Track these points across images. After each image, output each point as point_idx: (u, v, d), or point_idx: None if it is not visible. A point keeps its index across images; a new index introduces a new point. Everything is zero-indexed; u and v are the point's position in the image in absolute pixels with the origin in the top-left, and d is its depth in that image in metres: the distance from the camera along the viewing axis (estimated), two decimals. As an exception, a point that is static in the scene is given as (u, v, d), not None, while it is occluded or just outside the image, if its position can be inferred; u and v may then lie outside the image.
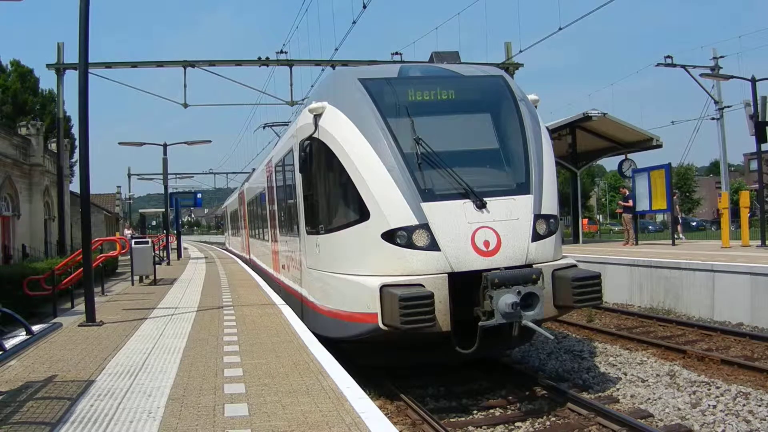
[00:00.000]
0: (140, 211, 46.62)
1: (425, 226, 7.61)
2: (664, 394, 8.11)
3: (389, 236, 7.65)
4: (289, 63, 25.10)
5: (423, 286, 7.23)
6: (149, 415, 4.85)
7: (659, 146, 23.13)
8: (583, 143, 24.88)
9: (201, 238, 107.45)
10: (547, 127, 9.30)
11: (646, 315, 13.69)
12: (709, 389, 8.18)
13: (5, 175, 26.23)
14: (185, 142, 29.82)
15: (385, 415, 4.95)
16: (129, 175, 57.07)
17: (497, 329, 7.38)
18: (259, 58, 24.83)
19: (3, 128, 28.39)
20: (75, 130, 33.10)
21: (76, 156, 26.52)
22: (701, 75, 26.79)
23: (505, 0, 32.66)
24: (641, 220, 37.36)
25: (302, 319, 9.46)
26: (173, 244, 31.53)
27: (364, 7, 17.61)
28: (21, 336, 5.80)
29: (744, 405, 7.49)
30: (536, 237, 7.95)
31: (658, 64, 28.28)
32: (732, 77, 22.96)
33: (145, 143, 28.79)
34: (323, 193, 8.94)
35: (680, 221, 26.67)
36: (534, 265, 7.71)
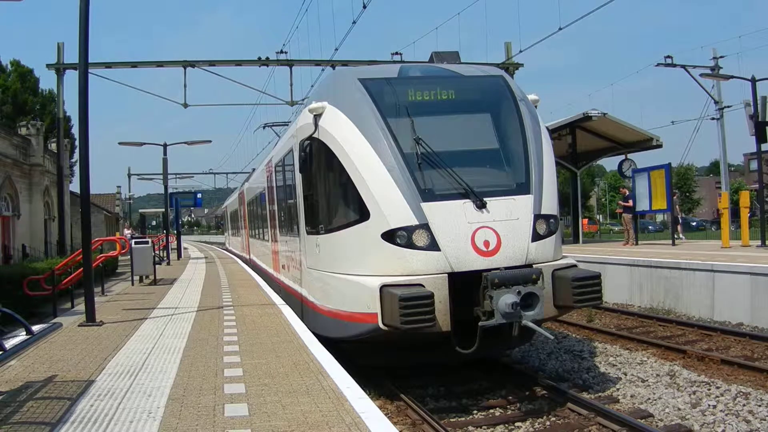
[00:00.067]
0: (140, 211, 46.66)
1: (425, 226, 7.61)
2: (664, 394, 8.10)
3: (389, 236, 7.65)
4: (289, 63, 25.10)
5: (423, 286, 7.23)
6: (149, 415, 4.85)
7: (659, 146, 23.13)
8: (583, 143, 24.87)
9: (201, 238, 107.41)
10: (547, 127, 9.30)
11: (646, 315, 13.69)
12: (709, 389, 8.18)
13: (5, 175, 26.23)
14: (185, 142, 29.84)
15: (385, 415, 4.95)
16: (129, 175, 57.19)
17: (497, 329, 7.38)
18: (259, 58, 24.84)
19: (3, 128, 28.39)
20: (75, 130, 33.09)
21: (76, 156, 26.50)
22: (701, 75, 26.80)
23: (505, 0, 32.68)
24: (641, 220, 37.35)
25: (302, 319, 9.46)
26: (173, 244, 31.54)
27: (364, 7, 17.64)
28: (21, 336, 5.81)
29: (744, 405, 7.49)
30: (536, 237, 7.95)
31: (658, 64, 28.30)
32: (732, 77, 22.95)
33: (145, 143, 28.82)
34: (323, 193, 8.94)
35: (680, 221, 26.64)
36: (534, 265, 7.71)
